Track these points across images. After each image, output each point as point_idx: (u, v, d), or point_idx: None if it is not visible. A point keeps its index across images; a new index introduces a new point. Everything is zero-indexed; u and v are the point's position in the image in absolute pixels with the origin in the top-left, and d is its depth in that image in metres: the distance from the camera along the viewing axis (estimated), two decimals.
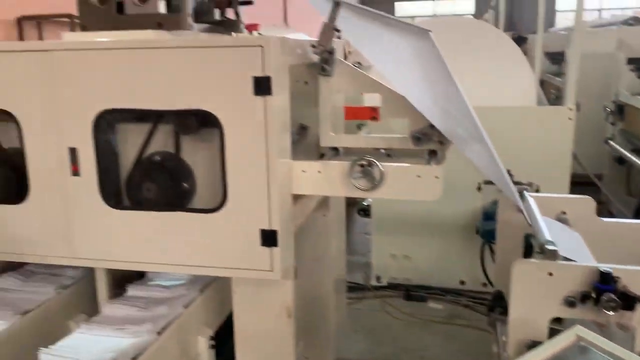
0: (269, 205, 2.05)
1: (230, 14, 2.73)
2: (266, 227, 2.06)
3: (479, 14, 17.81)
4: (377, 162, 2.09)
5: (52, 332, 2.26)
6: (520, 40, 6.46)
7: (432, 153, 2.27)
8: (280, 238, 2.07)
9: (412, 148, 2.29)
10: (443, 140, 2.24)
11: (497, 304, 2.41)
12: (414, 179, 2.11)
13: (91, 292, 2.48)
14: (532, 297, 1.87)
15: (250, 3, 2.70)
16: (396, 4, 23.27)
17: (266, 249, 2.08)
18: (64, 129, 2.15)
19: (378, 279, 4.75)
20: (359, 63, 3.80)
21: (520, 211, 2.38)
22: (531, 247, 2.30)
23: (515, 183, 2.54)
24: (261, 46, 1.93)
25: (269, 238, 2.07)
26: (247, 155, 2.02)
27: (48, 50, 2.13)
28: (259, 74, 1.94)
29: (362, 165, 2.10)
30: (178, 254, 2.19)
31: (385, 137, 2.39)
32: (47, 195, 2.23)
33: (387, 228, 4.60)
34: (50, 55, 2.12)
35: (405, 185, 2.13)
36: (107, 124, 2.20)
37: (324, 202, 2.82)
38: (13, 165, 2.32)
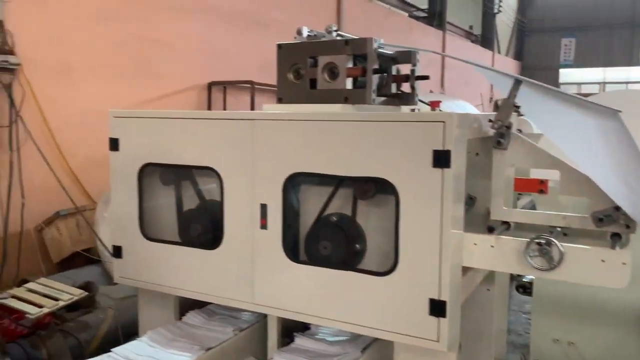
0: (439, 275, 2.08)
1: (405, 87, 2.91)
2: (435, 297, 2.09)
3: None
4: (557, 242, 2.02)
5: None
6: None
7: (616, 236, 2.14)
8: (448, 309, 2.08)
9: (592, 229, 2.18)
10: (629, 224, 2.11)
11: None
12: (597, 263, 2.00)
13: (263, 336, 2.69)
14: None
15: (426, 78, 2.86)
16: (561, 70, 22.26)
17: (434, 319, 2.10)
18: (258, 187, 2.44)
19: None
20: (519, 130, 3.73)
21: None
22: None
23: None
24: (443, 122, 2.03)
25: (437, 308, 2.09)
26: (421, 224, 2.10)
27: (251, 119, 2.47)
28: (439, 147, 2.04)
29: (539, 244, 2.05)
30: (346, 311, 2.30)
31: (563, 215, 2.31)
32: (237, 245, 2.52)
33: (550, 309, 4.27)
34: (252, 123, 2.45)
35: (587, 269, 2.02)
36: (294, 185, 2.44)
37: (489, 276, 2.77)
38: (211, 215, 2.67)
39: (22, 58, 4.78)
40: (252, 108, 7.31)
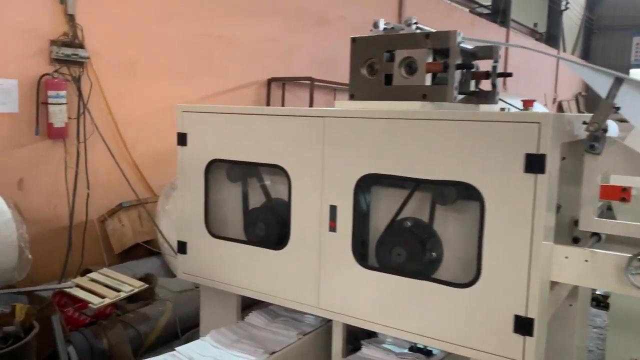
0: (527, 290, 1.91)
1: (484, 84, 2.73)
2: (522, 314, 1.92)
3: None
4: None
5: None
6: None
7: None
8: (536, 327, 1.90)
9: None
10: None
11: None
12: None
13: (326, 341, 2.58)
14: None
15: (510, 75, 2.66)
16: (632, 71, 21.09)
17: (519, 337, 1.93)
18: (328, 187, 2.33)
19: None
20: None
21: None
22: None
23: None
24: (538, 123, 1.85)
25: (524, 326, 1.91)
26: (509, 233, 1.93)
27: (322, 116, 2.35)
28: (533, 151, 1.86)
29: None
30: (418, 322, 2.16)
31: None
32: (304, 246, 2.42)
33: (628, 326, 3.96)
34: (323, 120, 2.34)
35: None
36: (365, 186, 2.32)
37: (573, 291, 2.55)
38: (278, 215, 2.59)
39: (91, 52, 4.88)
40: (311, 104, 7.24)
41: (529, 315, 1.90)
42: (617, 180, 3.66)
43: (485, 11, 15.78)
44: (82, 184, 4.87)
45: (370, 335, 2.68)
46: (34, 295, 3.71)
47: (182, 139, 2.75)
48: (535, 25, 19.07)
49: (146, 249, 5.24)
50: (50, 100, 4.59)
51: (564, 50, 20.85)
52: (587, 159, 2.20)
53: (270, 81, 7.41)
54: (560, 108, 19.13)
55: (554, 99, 19.16)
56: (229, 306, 2.80)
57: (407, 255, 2.19)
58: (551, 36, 19.75)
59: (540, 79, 17.06)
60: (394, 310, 2.22)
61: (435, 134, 2.08)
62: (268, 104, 7.19)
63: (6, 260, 3.19)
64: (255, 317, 2.67)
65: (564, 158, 2.35)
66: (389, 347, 2.45)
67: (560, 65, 18.14)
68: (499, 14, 15.30)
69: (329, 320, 2.52)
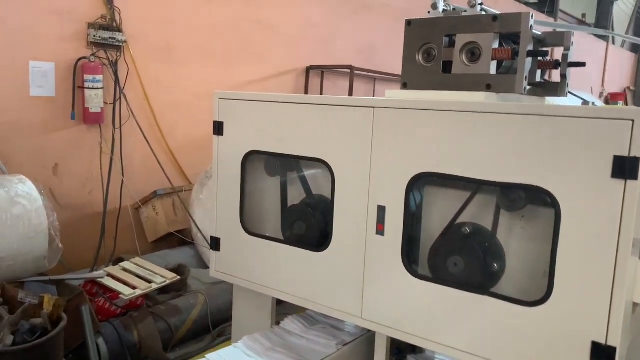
0: (609, 313, 1.64)
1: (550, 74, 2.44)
2: (601, 341, 1.66)
3: None
4: None
5: None
6: None
7: None
8: (618, 358, 1.64)
9: None
10: None
11: None
12: None
13: (367, 351, 2.38)
14: None
15: (582, 65, 2.37)
16: None
17: None
18: (376, 185, 2.10)
19: None
20: None
21: None
22: None
23: None
24: (632, 120, 1.58)
25: (603, 354, 1.66)
26: (590, 247, 1.67)
27: (371, 106, 2.12)
28: (624, 153, 1.59)
29: None
30: (473, 341, 1.93)
31: None
32: (347, 249, 2.21)
33: None
34: (372, 111, 2.11)
35: None
36: (419, 186, 2.08)
37: None
38: (319, 214, 2.38)
39: (128, 36, 4.76)
40: (350, 94, 6.99)
41: (610, 344, 1.64)
42: None
43: (532, 0, 15.14)
44: (116, 171, 4.78)
45: (414, 348, 2.46)
46: (64, 284, 3.63)
47: (218, 128, 2.56)
48: (584, 16, 18.22)
49: (179, 238, 5.13)
50: (86, 85, 4.50)
51: (613, 43, 19.90)
52: None
53: (309, 69, 7.19)
54: (607, 103, 18.29)
55: (601, 93, 18.34)
56: (263, 308, 2.62)
57: (465, 265, 1.95)
58: (600, 27, 18.84)
59: (587, 72, 16.30)
60: (447, 325, 1.99)
61: (505, 130, 1.82)
62: (306, 93, 6.98)
63: (37, 249, 3.09)
64: (291, 323, 2.48)
65: None
66: None
67: (608, 58, 17.28)
68: (547, 4, 14.64)
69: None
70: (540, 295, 1.78)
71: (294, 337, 2.39)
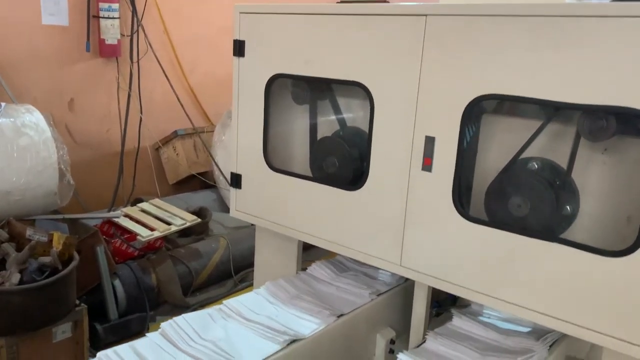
0: None
1: None
2: None
3: None
4: None
5: (359, 340, 1.98)
6: None
7: None
8: None
9: None
10: None
11: None
12: None
13: (404, 303, 2.12)
14: None
15: None
16: None
17: None
18: (426, 112, 1.77)
19: None
20: None
21: None
22: None
23: None
24: None
25: None
26: None
27: (422, 14, 1.75)
28: None
29: None
30: (538, 297, 1.62)
31: None
32: (386, 187, 1.90)
33: None
34: (423, 20, 1.75)
35: None
36: (477, 113, 1.74)
37: None
38: (354, 147, 2.07)
39: None
40: None
41: None
42: None
43: None
44: (135, 108, 4.52)
45: (456, 301, 2.19)
46: (79, 223, 3.44)
47: (238, 48, 2.23)
48: None
49: (201, 181, 4.90)
50: (101, 14, 4.19)
51: None
52: None
53: None
54: None
55: None
56: (288, 253, 2.36)
57: (530, 207, 1.63)
58: None
59: None
60: (503, 276, 1.68)
61: (595, 39, 1.44)
62: None
63: (46, 184, 2.88)
64: (319, 269, 2.22)
65: None
66: (489, 320, 1.95)
67: None
68: None
69: (408, 278, 2.04)
70: (623, 244, 1.45)
71: (322, 284, 2.14)
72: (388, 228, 1.92)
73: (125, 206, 4.12)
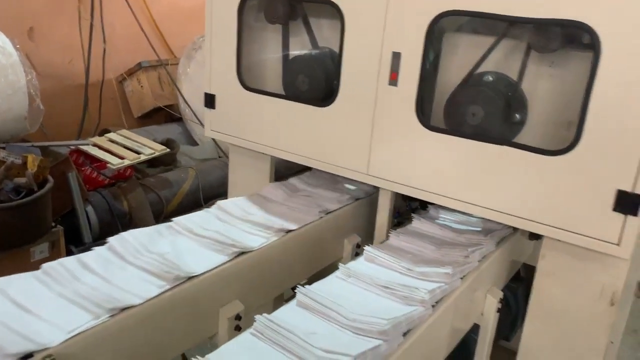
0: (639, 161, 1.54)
1: None
2: (627, 189, 1.57)
3: None
4: None
5: (324, 248, 2.14)
6: None
7: None
8: None
9: None
10: None
11: None
12: None
13: (368, 213, 2.31)
14: None
15: None
16: None
17: (619, 217, 1.60)
18: (392, 29, 1.90)
19: None
20: None
21: None
22: None
23: None
24: None
25: (627, 203, 1.58)
26: (630, 91, 1.52)
27: None
28: None
29: None
30: (491, 195, 1.84)
31: None
32: (355, 102, 2.05)
33: None
34: None
35: None
36: (439, 30, 1.88)
37: None
38: (325, 65, 2.19)
39: None
40: None
41: (637, 191, 1.56)
42: None
43: None
44: (98, 39, 4.44)
45: (414, 211, 2.39)
46: (49, 150, 3.46)
47: None
48: None
49: (167, 114, 4.93)
50: None
51: None
52: None
53: None
54: None
55: None
56: (261, 170, 2.50)
57: (484, 114, 1.81)
58: None
59: None
60: (462, 180, 1.89)
61: None
62: None
63: (16, 108, 2.89)
64: (272, 190, 2.27)
65: None
66: (445, 222, 2.16)
67: None
68: None
69: (372, 194, 2.23)
70: (564, 145, 1.67)
71: (274, 204, 2.18)
72: (357, 141, 2.08)
73: (93, 137, 4.13)
